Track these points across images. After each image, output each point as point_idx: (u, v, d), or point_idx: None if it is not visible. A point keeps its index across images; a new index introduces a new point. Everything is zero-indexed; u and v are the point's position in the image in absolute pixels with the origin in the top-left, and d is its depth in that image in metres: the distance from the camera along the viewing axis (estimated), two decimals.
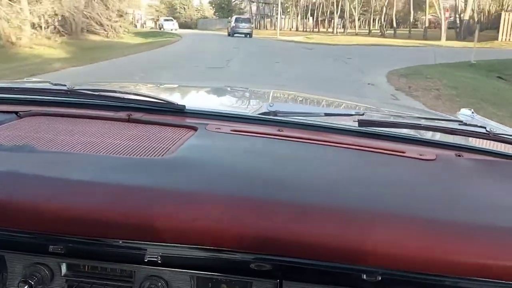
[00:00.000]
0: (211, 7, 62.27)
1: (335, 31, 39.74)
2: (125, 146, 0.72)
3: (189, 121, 0.87)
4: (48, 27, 22.59)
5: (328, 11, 45.49)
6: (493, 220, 0.54)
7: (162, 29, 42.03)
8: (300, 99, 1.58)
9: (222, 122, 0.86)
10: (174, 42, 23.61)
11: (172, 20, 43.88)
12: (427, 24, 29.41)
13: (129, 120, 0.85)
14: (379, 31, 36.15)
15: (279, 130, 0.81)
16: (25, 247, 0.59)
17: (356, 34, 35.18)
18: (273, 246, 0.54)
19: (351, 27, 43.54)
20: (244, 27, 31.34)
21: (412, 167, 0.69)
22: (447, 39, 23.77)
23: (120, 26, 24.18)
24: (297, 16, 52.15)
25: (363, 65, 11.40)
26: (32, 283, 0.57)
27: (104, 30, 23.22)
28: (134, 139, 0.75)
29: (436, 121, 0.91)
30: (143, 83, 1.97)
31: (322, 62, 12.62)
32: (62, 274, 0.60)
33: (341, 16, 43.25)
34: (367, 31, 38.94)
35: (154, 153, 0.70)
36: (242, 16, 34.71)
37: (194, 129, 0.81)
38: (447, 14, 24.96)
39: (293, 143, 0.76)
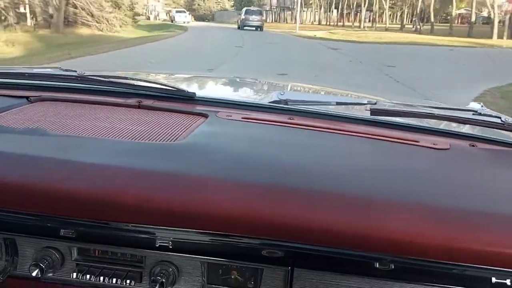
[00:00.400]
0: None
1: (362, 26, 35.88)
2: (135, 131, 0.71)
3: (200, 108, 0.86)
4: (34, 18, 19.76)
5: (355, 3, 41.49)
6: (506, 210, 0.54)
7: (173, 21, 39.07)
8: (312, 89, 1.53)
9: (233, 109, 0.85)
10: (174, 36, 20.64)
11: (184, 12, 40.87)
12: (459, 20, 25.16)
13: (139, 107, 0.85)
14: (412, 26, 32.14)
15: (290, 118, 0.80)
16: (36, 231, 0.59)
17: (386, 30, 31.26)
18: (284, 232, 0.53)
19: (379, 22, 39.53)
20: (254, 19, 28.24)
21: (425, 156, 0.68)
22: (489, 36, 19.90)
23: (115, 18, 21.10)
24: (320, 8, 48.20)
25: (424, 85, 6.83)
26: (43, 266, 0.58)
27: (97, 22, 20.28)
28: (145, 124, 0.75)
29: (450, 111, 0.87)
30: (154, 72, 1.72)
31: (353, 73, 8.09)
32: (73, 259, 0.60)
33: (369, 9, 39.27)
34: (399, 26, 34.86)
35: (166, 138, 0.69)
36: (252, 8, 31.65)
37: (205, 116, 0.80)
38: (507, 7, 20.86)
39: (304, 131, 0.75)
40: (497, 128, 0.78)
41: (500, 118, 0.76)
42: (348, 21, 42.69)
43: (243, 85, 1.56)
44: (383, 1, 35.81)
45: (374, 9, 37.96)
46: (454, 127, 0.84)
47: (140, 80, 0.99)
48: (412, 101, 1.30)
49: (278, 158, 0.65)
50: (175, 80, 1.45)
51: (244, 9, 30.99)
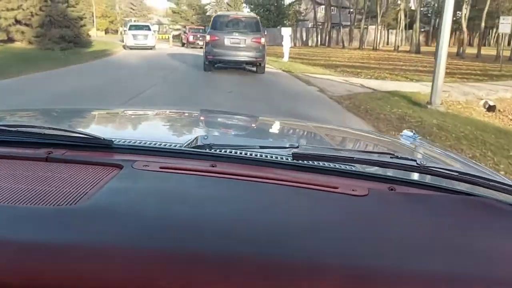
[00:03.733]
0: (249, 8, 40.46)
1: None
2: (37, 191, 0.65)
3: (116, 157, 0.81)
4: None
5: (464, 16, 22.08)
6: (420, 266, 0.53)
7: (125, 44, 21.58)
8: (235, 129, 1.43)
9: (151, 157, 0.81)
10: None
11: (147, 28, 22.28)
12: None
13: (47, 160, 0.79)
14: None
15: (212, 166, 0.78)
16: None
17: None
18: None
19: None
20: (238, 44, 10.25)
21: (344, 204, 0.69)
22: None
23: None
24: (399, 24, 28.77)
25: None
26: None
27: None
28: (51, 182, 0.69)
29: (369, 154, 0.92)
30: (69, 111, 1.60)
31: None
32: None
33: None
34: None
35: (68, 199, 0.63)
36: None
37: (120, 167, 0.75)
38: None
39: (225, 180, 0.73)
40: (413, 171, 0.79)
41: (415, 161, 0.76)
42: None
43: (166, 122, 1.44)
44: None
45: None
46: (374, 169, 0.82)
47: (51, 127, 0.91)
48: (340, 133, 1.52)
49: (192, 217, 0.60)
50: (93, 120, 1.37)
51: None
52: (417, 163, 0.74)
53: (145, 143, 0.87)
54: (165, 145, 0.88)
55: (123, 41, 21.30)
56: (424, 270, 0.51)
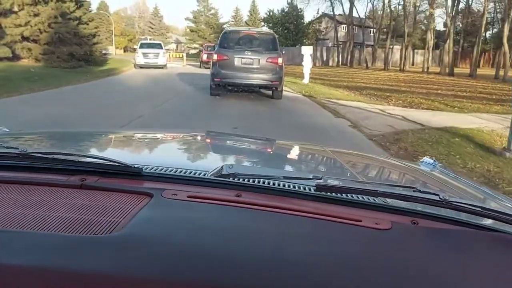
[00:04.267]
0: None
1: None
2: (72, 220, 0.68)
3: (146, 185, 0.84)
4: None
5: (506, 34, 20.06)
6: None
7: (135, 62, 20.14)
8: (257, 156, 1.48)
9: (179, 185, 0.84)
10: None
11: (159, 47, 20.90)
12: None
13: (81, 187, 0.83)
14: None
15: (237, 195, 0.80)
16: None
17: None
18: None
19: None
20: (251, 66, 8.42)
21: (368, 238, 0.69)
22: None
23: None
24: (428, 44, 26.86)
25: None
26: None
27: None
28: (84, 211, 0.72)
29: (392, 187, 0.90)
30: (101, 135, 1.62)
31: None
32: None
33: None
34: None
35: (104, 229, 0.65)
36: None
37: (150, 195, 0.78)
38: None
39: (250, 211, 0.75)
40: (435, 206, 0.79)
41: (438, 195, 0.77)
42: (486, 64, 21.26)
43: (194, 149, 1.49)
44: None
45: None
46: (396, 202, 0.82)
47: (85, 155, 0.96)
48: (363, 160, 1.55)
49: (219, 248, 0.62)
50: (123, 147, 1.43)
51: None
52: (439, 198, 0.75)
53: (172, 171, 0.89)
54: (190, 173, 0.89)
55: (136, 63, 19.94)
56: None
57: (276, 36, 9.27)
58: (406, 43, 27.92)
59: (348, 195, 0.81)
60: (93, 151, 1.20)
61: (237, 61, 8.40)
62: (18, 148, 0.88)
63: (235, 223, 0.70)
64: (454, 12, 22.84)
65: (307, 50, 13.89)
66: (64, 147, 1.23)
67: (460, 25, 30.08)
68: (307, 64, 13.79)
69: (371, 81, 17.94)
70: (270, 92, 9.10)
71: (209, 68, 16.13)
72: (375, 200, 0.81)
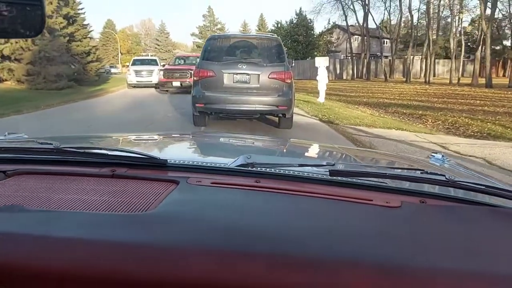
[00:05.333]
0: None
1: None
2: (109, 202, 0.74)
3: (171, 174, 0.89)
4: None
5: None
6: (453, 265, 0.58)
7: (128, 81, 17.82)
8: (272, 150, 1.62)
9: (202, 174, 0.89)
10: None
11: (152, 63, 18.45)
12: None
13: (113, 176, 0.88)
14: None
15: (256, 181, 0.85)
16: None
17: None
18: None
19: None
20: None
21: (379, 215, 0.74)
22: None
23: None
24: (454, 52, 24.25)
25: None
26: None
27: None
28: (118, 195, 0.77)
29: (400, 170, 0.97)
30: (128, 136, 1.78)
31: None
32: None
33: None
34: None
35: (137, 208, 0.71)
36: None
37: (176, 183, 0.84)
38: None
39: (269, 194, 0.80)
40: (442, 185, 0.84)
41: (444, 176, 0.81)
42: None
43: (212, 145, 1.61)
44: None
45: None
46: (404, 184, 0.88)
47: (114, 149, 1.02)
48: (372, 155, 1.61)
49: (245, 223, 0.68)
50: (148, 145, 1.52)
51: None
52: (446, 178, 0.79)
53: (195, 162, 0.96)
54: (211, 164, 0.97)
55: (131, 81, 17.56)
56: (451, 269, 0.55)
57: (281, 42, 6.76)
58: (431, 52, 25.26)
59: (360, 178, 0.85)
60: (122, 145, 1.30)
61: (227, 79, 5.94)
62: (52, 144, 0.93)
63: (256, 203, 0.75)
64: (490, 14, 19.98)
65: (322, 62, 11.31)
66: (93, 144, 1.31)
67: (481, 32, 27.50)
68: (322, 79, 11.24)
69: (395, 96, 15.43)
70: (275, 118, 6.64)
71: (166, 92, 12.84)
72: (385, 183, 0.85)
